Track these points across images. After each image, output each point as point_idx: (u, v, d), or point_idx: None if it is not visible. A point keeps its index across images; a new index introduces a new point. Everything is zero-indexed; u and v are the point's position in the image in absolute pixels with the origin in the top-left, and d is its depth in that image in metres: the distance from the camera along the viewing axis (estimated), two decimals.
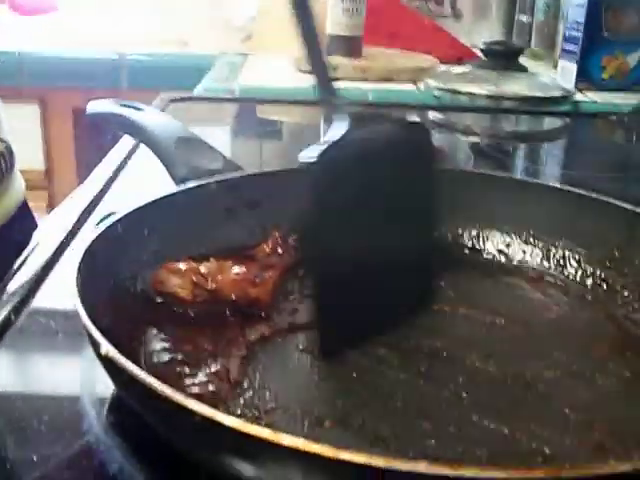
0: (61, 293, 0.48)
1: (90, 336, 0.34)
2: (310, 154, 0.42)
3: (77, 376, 0.42)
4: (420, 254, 0.49)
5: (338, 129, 0.45)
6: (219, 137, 0.85)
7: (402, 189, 0.46)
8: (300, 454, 0.27)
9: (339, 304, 0.43)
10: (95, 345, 0.33)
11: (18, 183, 0.86)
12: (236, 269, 0.47)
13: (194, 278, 0.46)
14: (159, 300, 0.46)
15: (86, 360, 0.41)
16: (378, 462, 0.25)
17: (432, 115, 1.10)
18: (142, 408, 0.34)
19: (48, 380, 0.42)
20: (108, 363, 0.33)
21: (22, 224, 0.85)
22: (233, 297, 0.46)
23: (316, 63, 0.47)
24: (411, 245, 0.48)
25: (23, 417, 0.37)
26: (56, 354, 0.45)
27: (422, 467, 0.26)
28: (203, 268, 0.47)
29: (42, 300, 0.50)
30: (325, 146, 0.42)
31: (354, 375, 0.41)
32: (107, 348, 0.32)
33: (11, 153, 0.84)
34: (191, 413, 0.28)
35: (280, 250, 0.52)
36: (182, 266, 0.47)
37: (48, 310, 0.49)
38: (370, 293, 0.45)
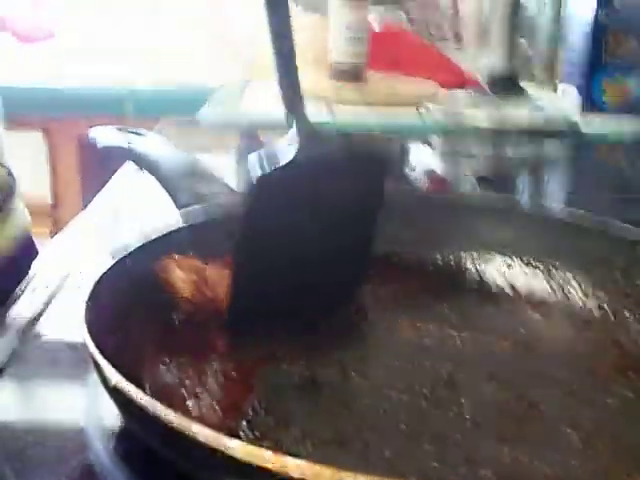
0: (64, 320, 0.49)
1: (99, 369, 0.34)
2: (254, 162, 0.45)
3: (81, 403, 0.42)
4: (347, 275, 0.51)
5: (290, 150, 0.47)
6: (221, 164, 0.85)
7: (340, 217, 0.49)
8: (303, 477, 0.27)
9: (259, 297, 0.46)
10: (104, 378, 0.33)
11: (21, 212, 0.87)
12: None
13: (196, 278, 0.47)
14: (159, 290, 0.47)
15: (90, 387, 0.41)
16: None
17: (435, 141, 1.11)
18: (148, 435, 0.34)
19: (52, 408, 0.43)
20: (116, 394, 0.33)
21: (25, 255, 0.85)
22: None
23: (289, 87, 0.48)
24: (339, 266, 0.49)
25: (27, 444, 0.38)
26: (60, 382, 0.45)
27: None
28: (208, 272, 0.48)
29: (46, 328, 0.50)
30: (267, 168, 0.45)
31: (357, 398, 0.41)
32: (116, 379, 0.32)
33: (13, 179, 0.84)
34: (196, 439, 0.28)
35: None
36: (189, 263, 0.48)
37: (51, 338, 0.49)
38: (291, 298, 0.47)
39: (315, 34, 1.42)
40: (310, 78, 1.33)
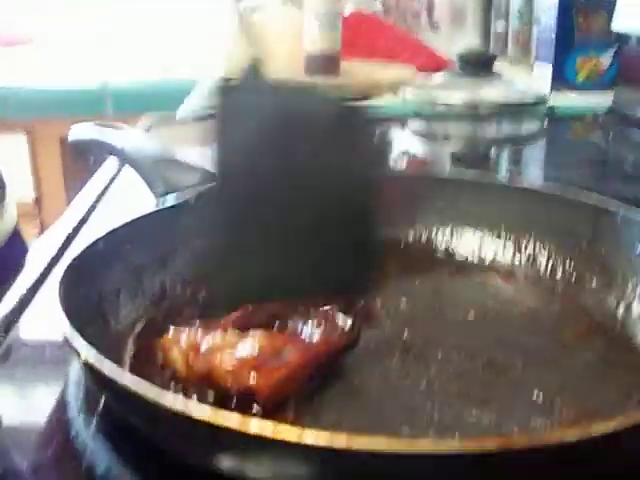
0: (47, 317, 0.50)
1: (70, 343, 0.35)
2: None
3: (64, 387, 0.43)
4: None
5: None
6: (201, 156, 0.87)
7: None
8: (267, 440, 0.28)
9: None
10: (76, 352, 0.35)
11: (10, 213, 0.89)
12: (243, 348, 0.40)
13: (190, 356, 0.40)
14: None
15: (72, 371, 0.43)
16: (340, 442, 0.27)
17: (412, 124, 1.13)
18: (123, 407, 0.35)
19: (35, 395, 0.44)
20: (89, 369, 0.34)
21: (14, 250, 0.87)
22: (228, 383, 0.39)
23: None
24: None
25: (10, 428, 0.39)
26: (42, 374, 0.46)
27: (382, 444, 0.27)
28: (205, 344, 0.40)
29: (28, 325, 0.51)
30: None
31: (333, 377, 0.42)
32: (87, 355, 0.34)
33: (3, 185, 0.87)
34: (163, 406, 0.30)
35: (323, 327, 0.43)
36: (184, 338, 0.41)
37: (34, 334, 0.50)
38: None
39: (292, 26, 1.43)
40: (286, 70, 1.34)
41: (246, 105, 0.45)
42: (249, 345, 0.40)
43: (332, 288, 0.46)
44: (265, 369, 0.39)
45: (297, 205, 0.46)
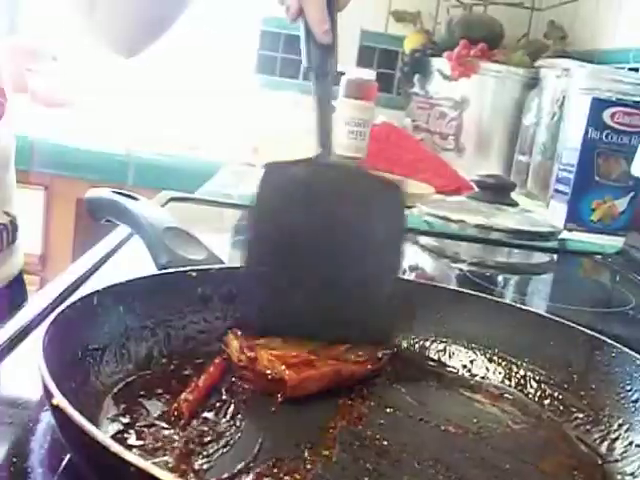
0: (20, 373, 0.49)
1: (45, 387, 0.35)
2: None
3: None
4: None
5: None
6: (213, 237, 0.87)
7: (355, 230, 0.54)
8: None
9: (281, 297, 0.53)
10: (48, 395, 0.35)
11: (17, 257, 0.90)
12: (285, 348, 0.51)
13: (245, 345, 0.51)
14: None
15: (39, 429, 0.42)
16: None
17: (423, 240, 1.13)
18: (88, 461, 0.35)
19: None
20: (58, 414, 0.34)
21: (14, 297, 0.88)
22: (267, 369, 0.49)
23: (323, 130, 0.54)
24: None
25: None
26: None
27: None
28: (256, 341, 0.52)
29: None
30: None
31: (304, 471, 0.41)
32: (59, 399, 0.33)
33: (15, 228, 0.88)
34: (131, 465, 0.29)
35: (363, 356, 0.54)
36: (242, 336, 0.52)
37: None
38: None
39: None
40: None
41: (288, 179, 0.51)
42: (289, 348, 0.51)
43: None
44: (297, 366, 0.49)
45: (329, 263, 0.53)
